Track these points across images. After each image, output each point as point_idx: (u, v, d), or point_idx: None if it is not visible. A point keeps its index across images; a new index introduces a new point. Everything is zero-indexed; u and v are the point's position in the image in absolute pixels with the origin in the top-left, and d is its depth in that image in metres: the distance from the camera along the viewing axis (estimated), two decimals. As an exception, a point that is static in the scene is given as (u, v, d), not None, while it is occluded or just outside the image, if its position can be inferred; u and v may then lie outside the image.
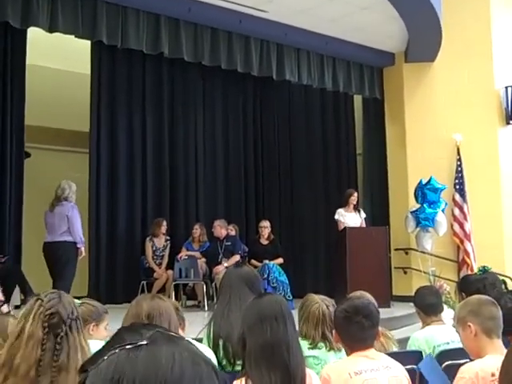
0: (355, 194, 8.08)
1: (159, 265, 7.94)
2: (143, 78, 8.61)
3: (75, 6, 6.47)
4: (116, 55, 8.19)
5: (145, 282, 7.72)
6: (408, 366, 2.71)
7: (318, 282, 9.12)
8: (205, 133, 9.23)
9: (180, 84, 8.94)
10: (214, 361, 2.79)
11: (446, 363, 3.03)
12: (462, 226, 8.71)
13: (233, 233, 8.18)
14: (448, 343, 3.35)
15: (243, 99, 9.71)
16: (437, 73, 9.11)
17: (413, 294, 3.90)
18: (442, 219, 8.36)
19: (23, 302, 5.43)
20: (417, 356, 3.21)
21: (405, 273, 8.87)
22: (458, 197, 8.79)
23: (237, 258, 7.76)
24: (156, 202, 8.63)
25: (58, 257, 6.31)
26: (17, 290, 6.31)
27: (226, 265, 7.40)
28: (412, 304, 3.96)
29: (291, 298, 7.26)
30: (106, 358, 0.72)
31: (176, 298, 7.52)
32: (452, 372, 2.57)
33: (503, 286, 3.91)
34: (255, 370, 2.06)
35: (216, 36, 7.61)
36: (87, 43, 7.67)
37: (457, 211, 8.76)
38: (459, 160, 8.86)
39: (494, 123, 9.00)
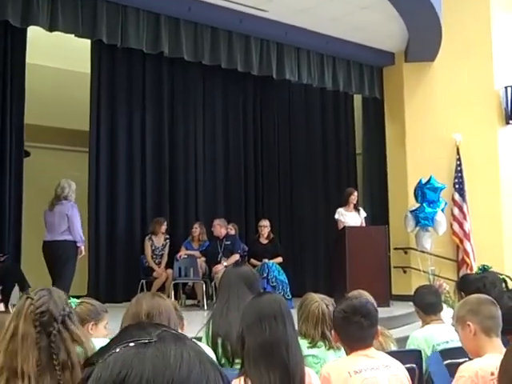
0: (355, 193, 8.08)
1: (159, 264, 7.94)
2: (143, 77, 8.60)
3: (75, 5, 6.48)
4: (116, 54, 8.19)
5: (144, 281, 7.72)
6: (407, 365, 2.71)
7: (317, 282, 9.13)
8: (205, 132, 9.23)
9: (180, 83, 8.94)
10: (214, 358, 2.79)
11: (446, 362, 3.03)
12: (461, 225, 8.72)
13: (232, 232, 8.18)
14: (447, 342, 3.36)
15: (243, 98, 9.71)
16: (437, 72, 9.11)
17: (412, 293, 3.91)
18: (441, 219, 8.37)
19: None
20: (416, 355, 3.22)
21: (404, 272, 8.88)
22: (457, 196, 8.79)
23: (236, 257, 7.77)
24: (155, 201, 8.63)
25: (57, 256, 6.31)
26: (16, 288, 6.31)
27: (225, 264, 7.40)
28: (411, 303, 3.97)
29: (290, 297, 7.27)
30: (113, 352, 0.72)
31: (175, 297, 7.52)
32: (451, 371, 2.58)
33: (503, 285, 3.91)
34: (254, 369, 2.06)
35: (216, 35, 7.61)
36: (87, 42, 7.66)
37: (456, 211, 8.77)
38: (459, 160, 8.86)
39: (494, 123, 9.00)
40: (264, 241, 8.17)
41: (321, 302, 3.07)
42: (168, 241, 8.08)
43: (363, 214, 8.08)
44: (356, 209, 8.03)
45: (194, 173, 9.03)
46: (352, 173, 10.01)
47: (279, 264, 7.82)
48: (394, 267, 8.82)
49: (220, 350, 2.92)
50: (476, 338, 2.43)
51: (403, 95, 9.23)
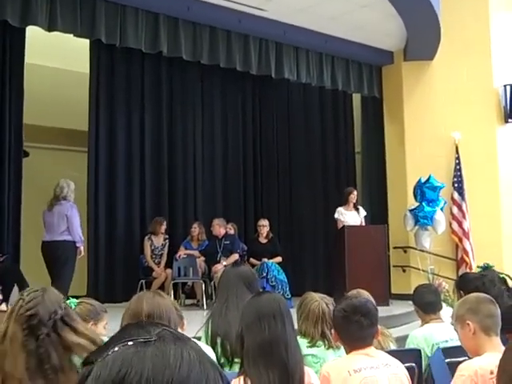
0: (355, 192, 8.08)
1: (158, 264, 7.94)
2: (142, 76, 8.60)
3: (74, 5, 6.47)
4: (115, 54, 8.18)
5: (144, 281, 7.72)
6: (407, 364, 2.71)
7: (316, 281, 9.13)
8: (204, 132, 9.22)
9: (179, 83, 8.94)
10: (213, 358, 2.80)
11: (445, 361, 3.03)
12: (460, 224, 8.72)
13: (231, 231, 8.17)
14: (447, 341, 3.36)
15: (242, 98, 9.71)
16: (436, 71, 9.11)
17: (411, 292, 3.91)
18: (440, 217, 8.37)
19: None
20: (416, 354, 3.22)
21: (403, 271, 8.88)
22: (456, 195, 8.80)
23: (236, 256, 7.77)
24: (154, 200, 8.62)
25: (57, 256, 6.31)
26: (15, 289, 6.30)
27: (224, 263, 7.40)
28: (411, 302, 3.97)
29: (290, 296, 7.27)
30: (112, 351, 0.71)
31: (175, 297, 7.52)
32: (451, 370, 2.58)
33: (503, 284, 3.91)
34: (253, 369, 2.06)
35: (215, 35, 7.61)
36: (86, 42, 7.66)
37: (455, 209, 8.77)
38: (458, 158, 8.87)
39: (493, 121, 9.00)
40: (263, 240, 8.17)
41: (321, 301, 3.07)
42: (167, 241, 8.08)
43: (363, 213, 8.08)
44: (356, 208, 8.04)
45: (193, 172, 9.03)
46: (351, 172, 10.01)
47: (278, 263, 7.82)
48: (394, 266, 8.83)
49: (219, 350, 2.93)
50: (475, 337, 2.43)
51: (402, 94, 9.23)
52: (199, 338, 3.07)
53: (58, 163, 8.85)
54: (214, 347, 2.91)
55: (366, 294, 3.06)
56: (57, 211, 6.40)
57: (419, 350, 3.28)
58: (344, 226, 7.74)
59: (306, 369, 2.21)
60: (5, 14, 6.01)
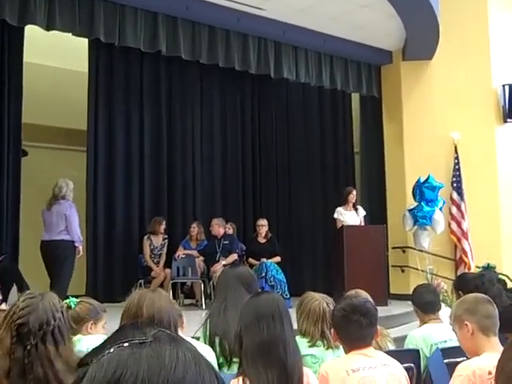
0: (354, 192, 8.08)
1: (157, 263, 7.94)
2: (141, 76, 8.59)
3: (73, 4, 6.46)
4: (113, 53, 8.18)
5: (142, 281, 7.72)
6: (406, 364, 2.71)
7: (315, 281, 9.12)
8: (202, 131, 9.22)
9: (178, 82, 8.93)
10: (213, 357, 2.80)
11: (444, 361, 3.04)
12: (459, 224, 8.72)
13: (230, 231, 8.18)
14: (445, 341, 3.36)
15: (241, 97, 9.70)
16: (434, 71, 9.11)
17: (410, 292, 3.91)
18: (439, 217, 8.37)
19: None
20: (414, 354, 3.22)
21: (402, 271, 8.88)
22: (455, 195, 8.80)
23: (234, 256, 7.77)
24: (153, 200, 8.62)
25: (55, 255, 6.30)
26: (14, 288, 6.30)
27: (223, 263, 7.40)
28: (409, 302, 3.97)
29: (289, 296, 7.26)
30: (108, 352, 0.71)
31: (174, 297, 7.51)
32: (450, 370, 2.58)
33: (502, 284, 3.91)
34: (252, 369, 2.06)
35: (214, 34, 7.60)
36: (85, 41, 7.65)
37: (454, 209, 8.77)
38: (457, 158, 8.87)
39: (492, 121, 9.01)
40: (262, 240, 8.17)
41: (322, 300, 3.08)
42: (167, 240, 8.08)
43: (362, 212, 8.08)
44: (355, 208, 8.04)
45: (192, 172, 9.03)
46: (350, 172, 10.01)
47: (277, 263, 7.82)
48: (392, 266, 8.82)
49: (218, 349, 2.93)
50: (474, 338, 2.42)
51: (401, 94, 9.23)
52: (198, 338, 3.07)
53: (57, 162, 8.84)
54: (212, 347, 2.91)
55: (364, 294, 3.07)
56: (55, 211, 6.40)
57: (418, 351, 3.29)
58: (343, 225, 7.74)
59: (305, 369, 2.21)
60: (3, 14, 6.00)
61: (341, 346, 2.71)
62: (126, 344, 0.71)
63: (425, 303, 3.62)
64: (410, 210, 8.45)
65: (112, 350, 0.71)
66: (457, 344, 2.70)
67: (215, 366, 2.72)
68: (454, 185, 8.83)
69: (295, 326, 2.62)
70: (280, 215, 9.83)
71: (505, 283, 4.04)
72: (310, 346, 2.97)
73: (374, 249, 7.67)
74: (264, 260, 7.74)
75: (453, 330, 2.59)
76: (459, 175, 8.84)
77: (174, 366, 0.69)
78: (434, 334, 3.44)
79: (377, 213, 9.13)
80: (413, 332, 3.60)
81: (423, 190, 8.35)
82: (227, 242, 7.82)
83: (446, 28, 8.47)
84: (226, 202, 9.35)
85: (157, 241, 8.01)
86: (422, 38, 8.54)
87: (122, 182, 8.35)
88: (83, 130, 8.16)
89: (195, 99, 9.10)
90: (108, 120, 8.29)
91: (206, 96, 9.24)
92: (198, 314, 6.50)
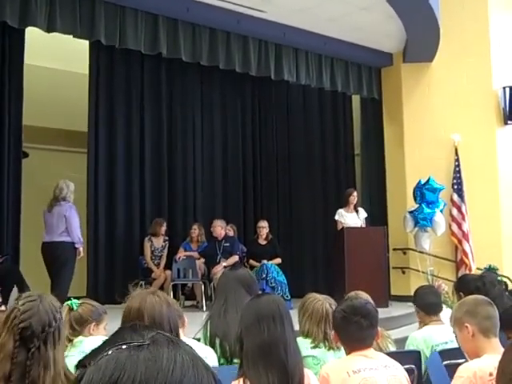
0: (354, 194, 8.08)
1: (158, 265, 7.94)
2: (141, 78, 8.60)
3: (73, 6, 6.46)
4: (114, 55, 8.19)
5: (143, 282, 7.71)
6: (406, 366, 2.71)
7: (316, 282, 9.12)
8: (203, 133, 9.23)
9: (178, 84, 8.94)
10: (215, 358, 2.79)
11: (445, 363, 3.03)
12: (460, 226, 8.71)
13: (231, 233, 8.17)
14: (446, 343, 3.36)
15: (241, 99, 9.71)
16: (435, 73, 9.11)
17: (411, 293, 3.91)
18: (440, 219, 8.36)
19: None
20: (415, 356, 3.22)
21: (403, 273, 8.87)
22: (456, 197, 8.79)
23: (235, 258, 7.76)
24: (154, 201, 8.63)
25: (56, 257, 6.30)
26: (15, 290, 6.30)
27: (224, 265, 7.40)
28: (410, 304, 3.97)
29: (289, 297, 7.26)
30: (106, 354, 0.71)
31: (174, 298, 7.49)
32: (450, 372, 2.57)
33: (503, 286, 3.92)
34: (253, 370, 2.06)
35: (214, 36, 7.60)
36: (85, 43, 7.66)
37: (455, 211, 8.77)
38: (457, 160, 8.86)
39: (492, 123, 9.00)
40: (262, 242, 8.16)
41: (324, 301, 3.08)
42: (167, 242, 8.08)
43: (363, 214, 8.07)
44: (356, 209, 8.03)
45: (193, 173, 9.03)
46: (350, 173, 10.01)
47: (278, 265, 7.81)
48: (393, 268, 8.82)
49: (218, 351, 2.93)
50: (474, 339, 2.42)
51: (401, 96, 9.23)
52: (199, 339, 3.07)
53: (58, 164, 8.85)
54: (212, 348, 2.91)
55: (365, 296, 3.07)
56: (56, 212, 6.40)
57: (419, 352, 3.28)
58: (343, 227, 7.73)
59: (306, 370, 2.20)
60: (4, 15, 6.00)
61: (342, 348, 2.71)
62: (124, 346, 0.71)
63: (427, 304, 3.62)
64: (410, 212, 8.45)
65: (110, 353, 0.71)
66: (458, 345, 2.70)
67: (217, 367, 2.72)
68: (455, 187, 8.83)
69: (296, 328, 2.61)
70: (280, 217, 9.83)
71: (506, 285, 4.04)
72: (312, 348, 2.97)
73: (374, 250, 7.66)
74: (265, 261, 7.73)
75: (453, 332, 2.59)
76: (460, 177, 8.83)
77: (172, 368, 0.69)
78: (434, 336, 3.44)
79: (377, 214, 9.13)
80: (414, 333, 3.60)
81: (424, 192, 8.35)
82: (228, 244, 7.82)
83: (446, 30, 8.47)
84: (227, 203, 9.35)
85: (157, 242, 8.02)
86: (422, 40, 8.54)
87: (122, 183, 8.36)
88: (84, 132, 8.17)
89: (196, 101, 9.10)
90: (108, 122, 8.29)
91: (207, 98, 9.25)
92: (199, 316, 6.49)
